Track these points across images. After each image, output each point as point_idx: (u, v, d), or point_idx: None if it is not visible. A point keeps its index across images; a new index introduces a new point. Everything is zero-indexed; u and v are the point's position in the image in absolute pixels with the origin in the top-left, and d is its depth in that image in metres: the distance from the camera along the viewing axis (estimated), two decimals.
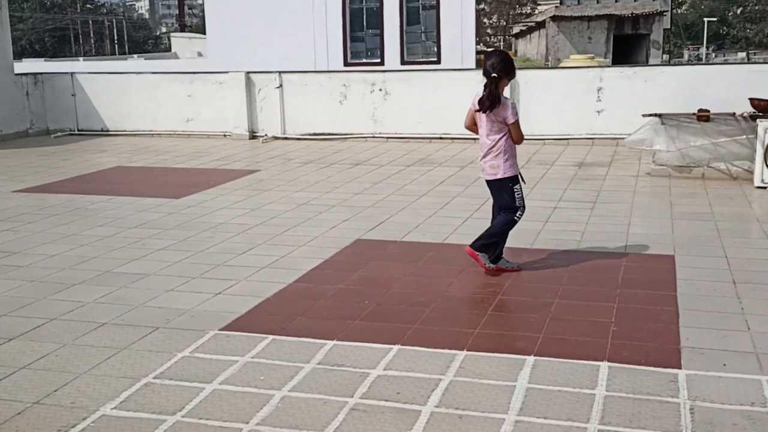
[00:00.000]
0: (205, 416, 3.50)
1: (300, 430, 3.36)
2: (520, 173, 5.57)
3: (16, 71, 14.79)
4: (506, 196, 5.51)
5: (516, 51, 48.76)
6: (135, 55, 30.93)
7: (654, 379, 3.78)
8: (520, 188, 5.56)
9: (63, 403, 3.67)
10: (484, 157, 5.51)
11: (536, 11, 49.76)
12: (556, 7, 32.85)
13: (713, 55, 60.56)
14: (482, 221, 7.02)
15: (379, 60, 18.21)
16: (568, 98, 12.31)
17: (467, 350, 4.18)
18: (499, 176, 5.47)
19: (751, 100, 9.20)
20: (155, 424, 3.43)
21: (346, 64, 18.07)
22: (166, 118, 14.30)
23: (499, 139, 5.41)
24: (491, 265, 5.52)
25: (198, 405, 3.61)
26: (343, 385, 3.78)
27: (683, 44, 66.61)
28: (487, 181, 5.57)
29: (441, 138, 12.81)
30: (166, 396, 3.71)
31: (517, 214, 5.53)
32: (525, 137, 5.66)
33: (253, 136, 13.77)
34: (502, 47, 51.37)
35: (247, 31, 18.61)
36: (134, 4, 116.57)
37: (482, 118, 5.44)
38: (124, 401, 3.67)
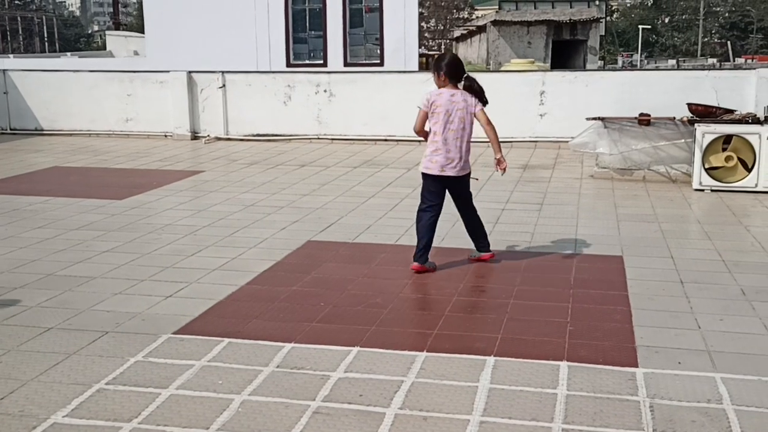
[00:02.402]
0: (163, 422, 3.39)
1: None
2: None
3: None
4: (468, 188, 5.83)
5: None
6: (69, 53, 30.00)
7: (613, 378, 3.83)
8: None
9: (11, 411, 3.50)
10: (463, 153, 5.62)
11: (474, 16, 50.35)
12: (497, 11, 33.30)
13: (645, 61, 62.16)
14: None
15: (321, 62, 18.09)
16: (512, 101, 12.44)
17: (427, 351, 4.16)
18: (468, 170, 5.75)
19: (689, 105, 9.45)
20: None
21: (288, 65, 17.89)
22: (105, 118, 13.93)
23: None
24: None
25: (155, 411, 3.50)
26: (304, 388, 3.72)
27: (617, 51, 68.31)
28: (458, 179, 5.64)
29: (386, 140, 12.81)
30: (120, 402, 3.58)
31: None
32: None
33: (195, 136, 13.53)
34: (443, 50, 51.71)
35: (187, 29, 18.24)
36: (65, 2, 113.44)
37: (458, 115, 5.52)
38: (76, 408, 3.53)
